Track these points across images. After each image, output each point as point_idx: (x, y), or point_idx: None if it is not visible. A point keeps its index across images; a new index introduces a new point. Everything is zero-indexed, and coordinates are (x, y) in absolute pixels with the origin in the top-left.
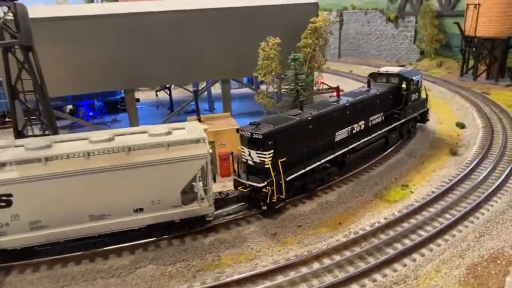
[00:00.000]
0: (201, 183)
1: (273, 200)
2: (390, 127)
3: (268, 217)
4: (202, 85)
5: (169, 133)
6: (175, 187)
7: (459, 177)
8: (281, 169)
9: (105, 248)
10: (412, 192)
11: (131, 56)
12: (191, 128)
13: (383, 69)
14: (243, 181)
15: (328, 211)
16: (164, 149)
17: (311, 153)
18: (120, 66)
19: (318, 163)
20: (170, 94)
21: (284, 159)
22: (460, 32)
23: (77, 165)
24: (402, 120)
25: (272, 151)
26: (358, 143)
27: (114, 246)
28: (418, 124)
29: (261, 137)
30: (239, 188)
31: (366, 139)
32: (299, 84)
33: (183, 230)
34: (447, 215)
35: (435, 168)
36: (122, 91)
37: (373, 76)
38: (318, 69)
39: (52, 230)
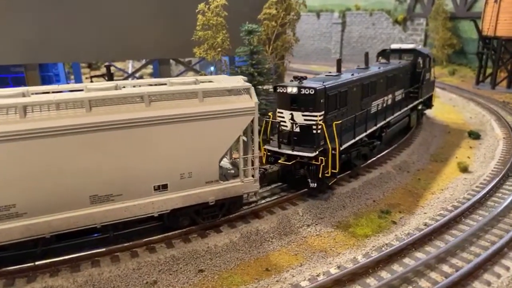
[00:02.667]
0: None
1: (326, 175)
2: (412, 105)
3: (151, 252)
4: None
5: (196, 82)
6: (213, 154)
7: (468, 203)
8: (336, 135)
9: None
10: (394, 222)
11: (34, 20)
12: (222, 80)
13: (395, 45)
14: (286, 151)
15: (256, 247)
16: (197, 101)
17: (359, 121)
18: (17, 32)
19: (365, 133)
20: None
21: (340, 121)
22: (477, 32)
23: (73, 119)
24: (420, 100)
25: (323, 112)
26: (392, 116)
27: None
28: (416, 131)
29: (313, 92)
30: (280, 161)
31: (397, 113)
32: (254, 65)
33: (216, 217)
34: (444, 269)
35: (434, 188)
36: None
37: (384, 54)
38: (286, 52)
39: (33, 219)
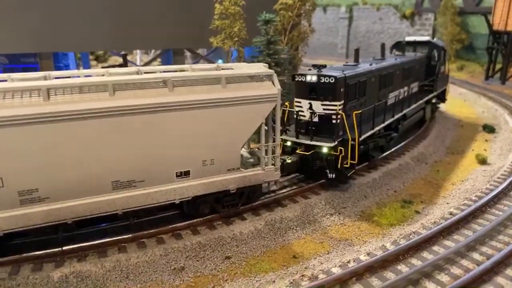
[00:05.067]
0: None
1: (345, 165)
2: (427, 98)
3: (177, 239)
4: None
5: (218, 69)
6: (235, 141)
7: (493, 193)
8: (355, 124)
9: None
10: (418, 212)
11: (46, 8)
12: (243, 67)
13: (409, 38)
14: (304, 141)
15: (281, 235)
16: (220, 87)
17: (377, 111)
18: (29, 20)
19: (383, 124)
20: None
21: (360, 111)
22: (488, 26)
23: (96, 102)
24: (434, 93)
25: (342, 101)
26: (409, 109)
27: None
28: (430, 124)
29: (333, 80)
30: (298, 151)
31: (413, 106)
32: (271, 55)
33: (235, 205)
34: (475, 256)
35: (454, 179)
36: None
37: (398, 46)
38: (302, 42)
39: (55, 204)
